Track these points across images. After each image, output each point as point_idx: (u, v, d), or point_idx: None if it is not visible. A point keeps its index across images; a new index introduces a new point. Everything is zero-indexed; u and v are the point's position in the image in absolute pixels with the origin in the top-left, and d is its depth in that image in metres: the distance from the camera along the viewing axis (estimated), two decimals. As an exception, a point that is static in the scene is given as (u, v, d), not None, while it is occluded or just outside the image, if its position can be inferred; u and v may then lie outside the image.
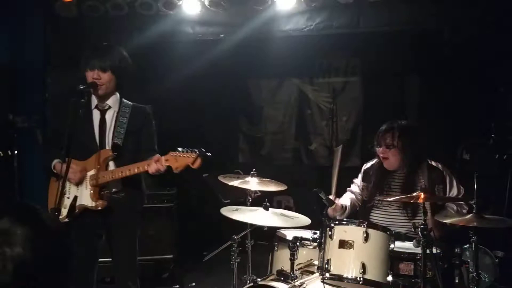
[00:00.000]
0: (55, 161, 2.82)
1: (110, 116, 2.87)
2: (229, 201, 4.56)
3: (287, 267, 2.86)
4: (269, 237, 3.41)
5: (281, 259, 3.06)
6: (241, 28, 4.23)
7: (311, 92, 6.03)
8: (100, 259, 2.95)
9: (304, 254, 3.06)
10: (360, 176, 3.45)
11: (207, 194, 4.98)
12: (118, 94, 2.91)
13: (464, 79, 5.07)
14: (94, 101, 2.86)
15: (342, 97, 5.95)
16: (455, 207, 3.15)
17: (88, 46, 2.90)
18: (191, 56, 4.91)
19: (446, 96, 5.31)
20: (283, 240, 3.09)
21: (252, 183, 3.29)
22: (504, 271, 3.90)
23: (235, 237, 3.27)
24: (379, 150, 3.20)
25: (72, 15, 4.22)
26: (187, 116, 5.43)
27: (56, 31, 4.38)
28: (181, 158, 2.56)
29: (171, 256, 4.51)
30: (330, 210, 3.06)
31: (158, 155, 2.66)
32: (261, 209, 3.10)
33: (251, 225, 3.27)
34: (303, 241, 2.93)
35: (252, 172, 3.39)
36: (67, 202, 2.75)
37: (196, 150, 2.57)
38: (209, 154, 2.61)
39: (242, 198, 3.57)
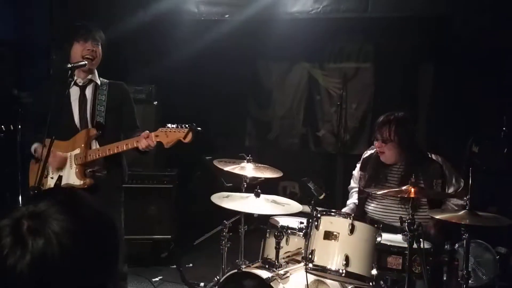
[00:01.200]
0: (35, 145, 2.82)
1: (89, 92, 2.84)
2: (231, 184, 4.55)
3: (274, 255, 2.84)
4: (265, 222, 3.40)
5: (272, 245, 3.03)
6: (246, 9, 4.13)
7: (321, 77, 5.90)
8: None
9: (296, 242, 3.04)
10: (358, 165, 3.39)
11: (210, 177, 4.97)
12: (95, 71, 2.89)
13: (478, 69, 4.89)
14: (74, 77, 2.82)
15: (353, 83, 5.80)
16: (455, 208, 3.05)
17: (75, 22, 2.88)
18: (196, 35, 4.85)
19: (459, 86, 5.13)
20: (274, 227, 3.06)
21: (248, 169, 3.25)
22: (506, 267, 3.81)
23: (226, 222, 3.26)
24: (376, 144, 3.12)
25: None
26: (193, 98, 5.39)
27: (63, 6, 4.37)
28: (172, 133, 2.54)
29: (170, 236, 4.53)
30: None
31: (147, 131, 2.63)
32: (252, 195, 3.08)
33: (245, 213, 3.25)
34: (291, 230, 2.90)
35: (248, 157, 3.36)
36: (50, 182, 2.75)
37: (187, 124, 2.54)
38: (199, 129, 2.58)
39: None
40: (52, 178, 2.76)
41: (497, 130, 4.54)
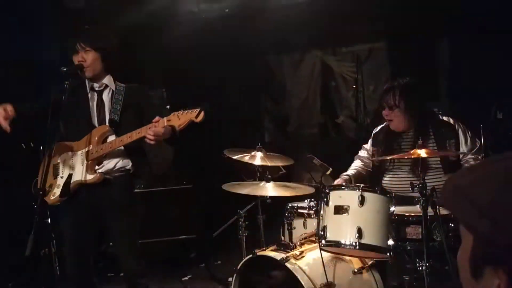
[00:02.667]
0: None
1: (106, 95, 2.87)
2: (252, 180, 4.53)
3: (293, 237, 2.80)
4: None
5: (292, 230, 2.98)
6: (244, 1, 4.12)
7: (334, 62, 5.82)
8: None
9: (314, 225, 2.98)
10: (370, 141, 3.30)
11: (229, 174, 4.96)
12: (110, 75, 2.91)
13: (496, 39, 4.69)
14: (88, 84, 2.88)
15: (368, 65, 5.69)
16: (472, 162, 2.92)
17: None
18: (202, 35, 4.86)
19: (478, 58, 4.94)
20: (289, 211, 3.02)
21: (258, 158, 3.22)
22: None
23: (240, 211, 3.24)
24: (383, 112, 3.03)
25: (80, 5, 4.29)
26: (205, 99, 5.40)
27: (68, 24, 4.48)
28: (183, 115, 2.51)
29: (195, 236, 4.54)
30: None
31: (158, 117, 2.60)
32: (263, 182, 3.06)
33: (260, 198, 3.23)
34: (307, 211, 2.85)
35: (257, 146, 3.34)
36: (60, 181, 2.77)
37: (199, 105, 2.52)
38: (211, 108, 2.57)
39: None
40: (62, 177, 2.79)
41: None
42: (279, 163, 3.31)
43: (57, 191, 2.74)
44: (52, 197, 2.74)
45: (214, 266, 4.48)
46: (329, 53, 5.81)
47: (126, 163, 2.85)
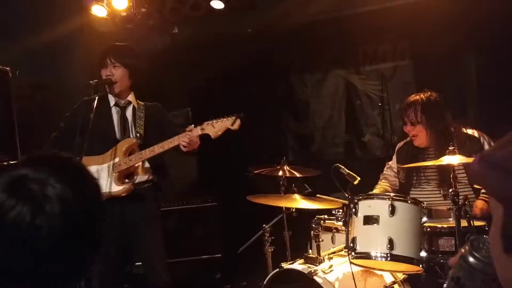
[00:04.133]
0: None
1: (130, 111, 2.93)
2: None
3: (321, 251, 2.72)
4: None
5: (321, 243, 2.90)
6: (265, 19, 4.16)
7: (358, 81, 5.78)
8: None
9: (342, 241, 2.88)
10: (394, 157, 3.25)
11: (254, 191, 4.92)
12: (133, 93, 2.97)
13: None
14: (112, 99, 2.93)
15: (393, 83, 5.63)
16: None
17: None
18: (225, 55, 4.91)
19: (505, 73, 4.84)
20: (316, 222, 2.95)
21: (283, 171, 3.20)
22: None
23: (266, 226, 3.18)
24: (405, 128, 3.00)
25: (108, 28, 4.41)
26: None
27: (95, 46, 4.59)
28: (219, 124, 2.57)
29: (220, 255, 4.47)
30: None
31: (191, 126, 2.65)
32: (289, 194, 3.02)
33: (286, 211, 3.18)
34: (335, 222, 2.78)
35: (282, 160, 3.32)
36: None
37: (235, 114, 2.61)
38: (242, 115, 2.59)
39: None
40: None
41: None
42: (304, 174, 3.27)
43: None
44: None
45: (240, 287, 4.38)
46: (353, 71, 5.78)
47: (152, 177, 2.88)
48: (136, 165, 2.78)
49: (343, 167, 2.63)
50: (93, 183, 1.01)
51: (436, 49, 5.22)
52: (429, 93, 2.97)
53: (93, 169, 2.83)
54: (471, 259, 0.89)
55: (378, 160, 5.65)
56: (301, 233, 3.88)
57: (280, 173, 3.18)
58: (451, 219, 2.66)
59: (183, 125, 4.75)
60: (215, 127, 2.59)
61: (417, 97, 2.95)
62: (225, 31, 4.61)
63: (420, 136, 2.93)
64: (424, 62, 5.43)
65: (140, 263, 3.29)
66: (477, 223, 2.41)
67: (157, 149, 2.71)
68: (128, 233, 2.84)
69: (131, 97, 2.95)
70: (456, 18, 4.84)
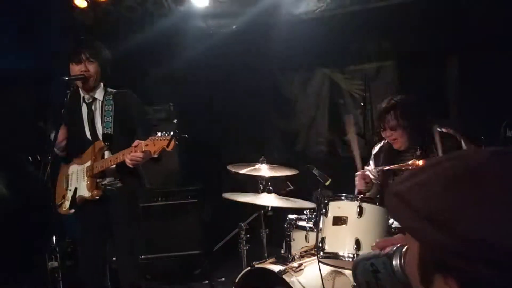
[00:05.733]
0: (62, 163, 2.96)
1: (96, 107, 2.92)
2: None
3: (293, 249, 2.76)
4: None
5: (294, 243, 2.94)
6: (250, 16, 4.17)
7: (342, 80, 5.82)
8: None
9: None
10: (371, 162, 3.25)
11: (234, 189, 4.94)
12: (102, 85, 2.96)
13: (505, 55, 4.65)
14: (81, 93, 2.92)
15: (376, 83, 5.67)
16: None
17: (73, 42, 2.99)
18: (210, 51, 4.91)
19: (487, 74, 4.90)
20: (288, 222, 2.99)
21: (263, 170, 3.23)
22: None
23: (242, 224, 3.21)
24: (384, 133, 2.98)
25: (89, 21, 4.39)
26: (214, 114, 5.43)
27: (89, 32, 4.57)
28: (158, 142, 2.53)
29: (199, 251, 4.50)
30: (359, 183, 2.97)
31: (138, 141, 2.63)
32: (265, 193, 3.05)
33: (263, 211, 3.21)
34: (306, 223, 2.82)
35: (261, 159, 3.35)
36: (69, 194, 2.86)
37: (170, 132, 2.53)
38: (184, 135, 2.57)
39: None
40: (70, 190, 2.86)
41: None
42: (283, 173, 3.29)
43: (66, 204, 2.83)
44: (63, 209, 2.86)
45: (218, 282, 4.42)
46: (338, 71, 5.82)
47: (121, 179, 2.89)
48: (105, 168, 2.80)
49: (315, 168, 2.66)
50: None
51: (419, 50, 5.27)
52: (404, 96, 2.98)
53: (74, 168, 2.87)
54: (395, 263, 0.86)
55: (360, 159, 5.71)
56: (279, 231, 3.92)
57: (259, 173, 3.21)
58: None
59: (165, 119, 4.80)
60: (155, 145, 2.54)
61: (393, 101, 2.93)
62: (211, 27, 4.60)
63: (400, 139, 2.92)
64: (407, 63, 5.48)
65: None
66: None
67: (114, 159, 2.73)
68: (105, 232, 2.90)
69: (98, 91, 2.92)
70: (439, 20, 4.89)
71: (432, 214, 0.68)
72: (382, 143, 3.13)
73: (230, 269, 4.54)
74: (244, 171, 3.30)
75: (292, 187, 3.97)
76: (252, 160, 3.44)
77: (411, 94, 3.07)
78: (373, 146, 3.29)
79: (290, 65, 5.83)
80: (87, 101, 2.91)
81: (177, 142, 2.53)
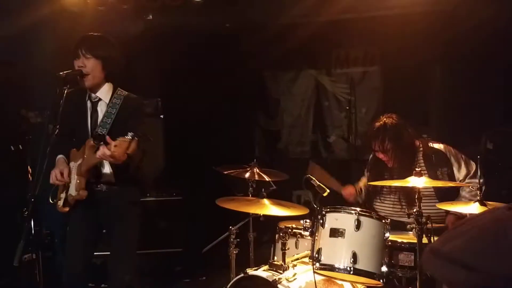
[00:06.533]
0: (59, 156, 2.85)
1: (102, 108, 2.84)
2: (242, 194, 4.51)
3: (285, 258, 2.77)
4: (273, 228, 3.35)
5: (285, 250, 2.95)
6: (246, 17, 4.14)
7: (328, 83, 5.86)
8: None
9: (306, 246, 2.98)
10: (366, 171, 3.37)
11: (220, 187, 4.93)
12: (110, 84, 2.88)
13: (487, 64, 4.79)
14: (88, 92, 2.85)
15: (361, 87, 5.75)
16: (467, 196, 2.96)
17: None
18: (199, 47, 4.86)
19: (469, 83, 5.03)
20: (284, 231, 3.00)
21: (252, 173, 3.23)
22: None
23: (232, 228, 3.20)
24: (378, 154, 3.10)
25: (79, 8, 4.26)
26: (200, 110, 5.38)
27: (65, 25, 4.44)
28: (120, 143, 2.41)
29: (181, 249, 4.48)
30: (347, 195, 3.15)
31: (110, 140, 2.49)
32: (257, 198, 3.04)
33: (252, 215, 3.21)
34: (302, 232, 2.84)
35: (253, 162, 3.35)
36: (64, 192, 2.79)
37: (129, 134, 2.41)
38: (147, 136, 2.52)
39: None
40: (66, 187, 2.80)
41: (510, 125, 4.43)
42: (273, 178, 3.31)
43: (60, 202, 2.75)
44: (59, 206, 2.79)
45: (199, 282, 4.41)
46: (324, 73, 5.86)
47: (114, 178, 2.82)
48: (89, 167, 2.73)
49: (314, 179, 2.68)
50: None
51: (404, 57, 5.36)
52: (388, 118, 3.05)
53: (71, 165, 2.81)
54: None
55: (342, 161, 5.79)
56: (265, 234, 3.95)
57: (249, 175, 3.21)
58: (411, 233, 2.80)
59: (152, 114, 4.73)
60: (120, 147, 2.41)
61: (379, 126, 3.03)
62: (202, 24, 4.55)
63: (392, 160, 3.07)
64: (391, 69, 5.58)
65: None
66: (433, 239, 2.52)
67: (95, 159, 2.65)
68: (93, 235, 2.87)
69: (103, 91, 2.85)
70: (424, 30, 4.98)
71: (467, 260, 0.77)
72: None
73: (211, 268, 4.55)
74: (233, 172, 3.31)
75: (275, 187, 3.97)
76: (239, 159, 3.44)
77: (397, 115, 3.14)
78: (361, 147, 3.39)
79: (278, 64, 5.84)
80: (92, 100, 2.83)
81: (139, 144, 2.43)
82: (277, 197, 3.10)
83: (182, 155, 4.93)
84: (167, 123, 4.90)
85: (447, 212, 2.90)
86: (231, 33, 4.97)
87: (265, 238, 4.09)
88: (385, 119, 3.04)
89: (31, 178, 4.25)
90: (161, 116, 4.78)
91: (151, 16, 4.63)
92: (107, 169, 2.78)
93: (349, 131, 5.64)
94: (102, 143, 2.67)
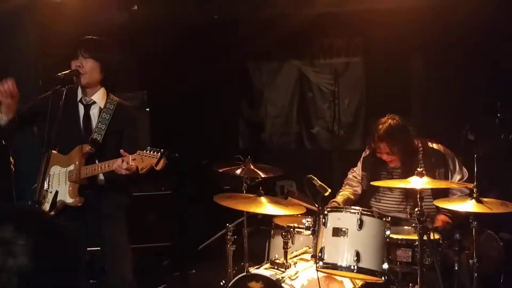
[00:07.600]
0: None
1: (94, 112, 2.77)
2: (229, 187, 4.50)
3: (282, 255, 2.80)
4: (267, 223, 3.37)
5: (278, 246, 2.99)
6: (233, 7, 4.09)
7: (312, 74, 5.88)
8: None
9: (301, 241, 3.01)
10: (359, 165, 3.35)
11: (207, 181, 4.91)
12: (104, 89, 2.81)
13: (468, 57, 4.89)
14: (79, 94, 2.77)
15: (344, 78, 5.78)
16: (458, 193, 3.05)
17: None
18: (184, 39, 4.79)
19: (450, 75, 5.14)
20: (279, 227, 3.03)
21: (248, 171, 3.22)
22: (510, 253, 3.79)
23: (229, 225, 3.21)
24: (382, 155, 3.10)
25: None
26: (185, 102, 5.32)
27: (47, 14, 4.28)
28: (147, 158, 2.41)
29: (170, 243, 4.46)
30: None
31: (126, 153, 2.49)
32: (254, 196, 3.04)
33: (247, 212, 3.21)
34: (297, 229, 2.86)
35: (246, 160, 3.34)
36: (49, 196, 2.69)
37: (160, 150, 2.41)
38: (176, 155, 2.49)
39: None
40: (51, 192, 2.69)
41: (492, 116, 4.56)
42: (268, 174, 3.31)
43: (46, 206, 2.67)
44: (45, 209, 2.66)
45: (189, 275, 4.41)
46: (307, 64, 5.87)
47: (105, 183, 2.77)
48: (92, 175, 2.67)
49: (315, 178, 2.70)
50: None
51: (387, 49, 5.42)
52: (391, 120, 3.06)
53: (56, 170, 2.71)
54: None
55: (325, 152, 5.85)
56: (258, 229, 3.96)
57: (244, 174, 3.20)
58: (406, 227, 2.87)
59: (138, 107, 4.63)
60: (143, 161, 2.42)
61: (386, 128, 3.01)
62: (187, 15, 4.47)
63: (395, 159, 3.08)
64: (374, 59, 5.63)
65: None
66: (433, 236, 2.60)
67: (98, 169, 2.61)
68: (83, 239, 2.79)
69: (98, 95, 2.77)
70: (406, 22, 5.04)
71: None
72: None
73: (200, 262, 4.56)
74: (227, 169, 3.30)
75: (260, 179, 3.94)
76: (225, 151, 3.42)
77: (399, 116, 3.17)
78: (364, 149, 3.37)
79: (262, 55, 5.81)
80: (84, 103, 2.75)
81: (167, 162, 2.42)
82: (262, 187, 3.09)
83: (167, 148, 4.87)
84: (152, 116, 4.82)
85: (438, 209, 2.97)
86: (215, 24, 4.91)
87: (257, 233, 4.11)
88: (390, 120, 3.04)
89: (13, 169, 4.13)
90: (147, 109, 4.69)
91: (136, 7, 4.50)
92: (100, 175, 2.73)
93: (333, 122, 5.69)
94: (93, 149, 2.62)
